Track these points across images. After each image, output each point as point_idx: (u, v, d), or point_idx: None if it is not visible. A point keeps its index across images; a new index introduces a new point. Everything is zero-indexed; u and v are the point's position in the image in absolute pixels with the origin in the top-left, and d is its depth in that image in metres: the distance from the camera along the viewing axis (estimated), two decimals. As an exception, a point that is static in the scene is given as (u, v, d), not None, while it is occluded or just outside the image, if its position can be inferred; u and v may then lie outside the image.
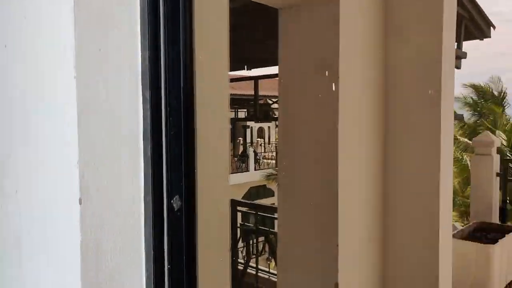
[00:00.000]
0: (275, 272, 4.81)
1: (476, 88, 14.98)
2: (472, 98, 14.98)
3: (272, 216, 4.78)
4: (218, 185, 0.82)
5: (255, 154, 17.21)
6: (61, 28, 0.69)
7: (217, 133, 0.82)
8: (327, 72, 1.41)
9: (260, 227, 4.72)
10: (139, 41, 0.73)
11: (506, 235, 3.67)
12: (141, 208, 0.76)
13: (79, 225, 0.71)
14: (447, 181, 1.56)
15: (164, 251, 0.76)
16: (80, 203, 0.71)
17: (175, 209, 0.76)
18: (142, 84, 0.74)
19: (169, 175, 0.75)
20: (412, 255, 1.61)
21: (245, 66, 6.55)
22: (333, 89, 1.39)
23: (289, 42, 1.59)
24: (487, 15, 4.29)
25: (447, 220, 1.59)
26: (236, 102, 17.56)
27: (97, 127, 0.71)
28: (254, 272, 4.69)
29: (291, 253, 1.74)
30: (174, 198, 0.76)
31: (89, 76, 0.69)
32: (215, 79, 0.79)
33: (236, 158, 16.94)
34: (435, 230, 1.53)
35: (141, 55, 0.73)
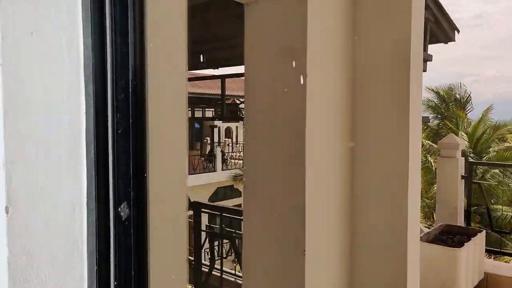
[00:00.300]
0: (241, 274, 4.73)
1: (438, 91, 15.45)
2: (434, 101, 15.43)
3: (239, 217, 4.71)
4: (174, 191, 0.73)
5: (223, 154, 17.07)
6: (-17, 5, 0.58)
7: (172, 132, 0.73)
8: (294, 62, 1.34)
9: (226, 228, 4.63)
10: (80, 25, 0.63)
11: (471, 238, 3.71)
12: (83, 218, 0.66)
13: (5, 238, 0.60)
14: (415, 185, 1.54)
15: (110, 267, 0.66)
16: (7, 212, 0.60)
17: (123, 218, 0.66)
18: (84, 75, 0.64)
19: (116, 179, 0.66)
20: (380, 260, 1.58)
21: (212, 65, 6.43)
22: (301, 82, 1.32)
23: (254, 36, 1.52)
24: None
25: (415, 224, 1.57)
26: (203, 101, 17.37)
27: (28, 124, 0.61)
28: (219, 275, 4.59)
29: (256, 259, 1.67)
30: (122, 206, 0.66)
31: (18, 64, 0.59)
32: (171, 70, 0.71)
33: (203, 158, 16.74)
34: (403, 235, 1.50)
35: (83, 41, 0.63)
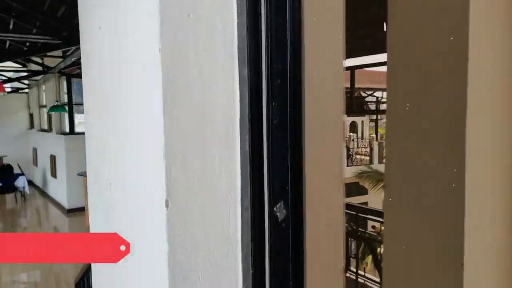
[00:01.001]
0: (369, 276, 4.47)
1: None
2: None
3: (367, 216, 4.46)
4: (331, 190, 0.63)
5: (347, 149, 16.55)
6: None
7: (330, 124, 0.63)
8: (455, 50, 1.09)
9: (354, 227, 4.43)
10: (235, 5, 0.57)
11: None
12: (237, 216, 0.61)
13: (165, 233, 0.58)
14: None
15: (265, 271, 0.60)
16: (167, 205, 0.58)
17: (279, 219, 0.59)
18: (238, 59, 0.58)
19: (272, 176, 0.59)
20: None
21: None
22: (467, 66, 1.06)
23: (400, 20, 1.32)
24: None
25: None
26: (327, 96, 17.02)
27: (186, 113, 0.58)
28: (351, 276, 4.41)
29: (400, 269, 1.48)
30: (278, 206, 0.59)
31: (177, 49, 0.56)
32: (329, 51, 0.61)
33: (327, 153, 16.45)
34: None
35: (237, 22, 0.57)
